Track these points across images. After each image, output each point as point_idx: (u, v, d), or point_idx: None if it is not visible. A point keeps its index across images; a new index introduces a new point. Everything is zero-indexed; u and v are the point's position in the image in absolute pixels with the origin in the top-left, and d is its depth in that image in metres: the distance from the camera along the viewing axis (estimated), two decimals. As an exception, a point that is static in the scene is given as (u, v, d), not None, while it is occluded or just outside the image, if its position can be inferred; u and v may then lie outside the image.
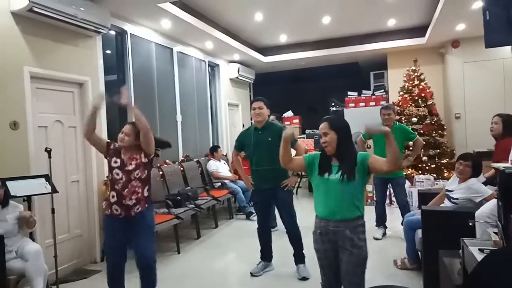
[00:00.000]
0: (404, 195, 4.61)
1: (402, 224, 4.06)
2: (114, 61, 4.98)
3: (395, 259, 3.75)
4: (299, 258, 3.62)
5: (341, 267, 2.16)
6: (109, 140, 2.94)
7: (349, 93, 8.21)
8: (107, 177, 3.80)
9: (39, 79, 3.67)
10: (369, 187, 6.06)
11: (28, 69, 3.51)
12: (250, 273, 3.66)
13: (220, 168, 6.39)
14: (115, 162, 2.75)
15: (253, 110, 3.60)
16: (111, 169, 2.76)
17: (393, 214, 5.19)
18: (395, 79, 7.73)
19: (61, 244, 3.70)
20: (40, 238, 3.50)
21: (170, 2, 4.57)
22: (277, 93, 9.51)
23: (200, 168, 6.24)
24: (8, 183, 3.09)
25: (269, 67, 8.87)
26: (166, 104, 5.84)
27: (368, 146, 4.99)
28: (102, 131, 4.38)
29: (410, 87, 6.96)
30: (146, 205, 2.82)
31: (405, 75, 7.15)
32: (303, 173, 5.64)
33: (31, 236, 3.31)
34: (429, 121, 6.63)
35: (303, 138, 8.55)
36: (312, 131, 8.49)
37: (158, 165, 5.18)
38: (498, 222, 1.98)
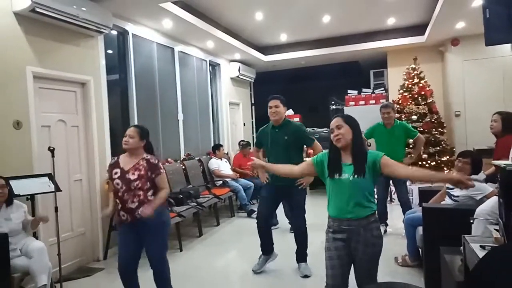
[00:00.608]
0: (406, 192, 4.62)
1: (403, 221, 4.07)
2: (116, 60, 4.99)
3: (396, 256, 3.77)
4: (302, 256, 3.63)
5: (354, 264, 2.17)
6: (108, 180, 2.94)
7: (349, 91, 8.21)
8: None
9: (42, 79, 3.69)
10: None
11: (31, 69, 3.53)
12: (253, 270, 3.67)
13: (221, 166, 6.41)
14: (116, 173, 2.75)
15: (269, 109, 3.53)
16: (113, 180, 2.76)
17: (394, 212, 5.22)
18: (395, 77, 7.73)
19: (65, 242, 3.72)
20: (43, 237, 3.53)
21: (171, 2, 4.58)
22: (277, 92, 9.35)
23: (201, 167, 6.27)
24: (11, 182, 3.10)
25: (270, 66, 8.86)
26: (167, 103, 5.86)
27: (369, 144, 5.00)
28: (104, 131, 4.41)
29: (410, 85, 6.96)
30: None
31: (405, 73, 7.16)
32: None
33: (35, 235, 3.34)
34: (429, 119, 6.64)
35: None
36: (313, 129, 8.49)
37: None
38: (499, 219, 1.97)
